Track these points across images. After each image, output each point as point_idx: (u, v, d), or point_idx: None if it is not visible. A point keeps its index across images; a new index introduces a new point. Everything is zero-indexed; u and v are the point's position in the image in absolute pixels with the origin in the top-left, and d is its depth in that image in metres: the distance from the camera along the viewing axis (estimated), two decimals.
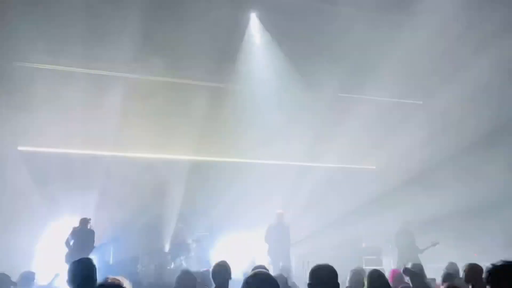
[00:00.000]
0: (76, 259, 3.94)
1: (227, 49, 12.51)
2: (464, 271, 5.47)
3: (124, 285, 2.64)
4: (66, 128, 11.89)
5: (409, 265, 6.40)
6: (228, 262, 5.05)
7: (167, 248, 12.45)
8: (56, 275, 8.46)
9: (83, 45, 11.01)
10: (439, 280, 6.74)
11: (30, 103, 11.29)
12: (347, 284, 6.90)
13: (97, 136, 12.29)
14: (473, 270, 5.31)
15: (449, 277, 6.23)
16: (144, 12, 10.57)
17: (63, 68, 11.99)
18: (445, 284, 5.14)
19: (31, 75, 11.58)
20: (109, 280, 2.71)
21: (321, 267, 3.41)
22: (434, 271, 7.60)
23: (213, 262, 10.93)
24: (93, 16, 10.56)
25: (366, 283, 5.26)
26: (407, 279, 6.33)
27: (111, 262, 11.43)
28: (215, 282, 4.85)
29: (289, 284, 6.45)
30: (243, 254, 12.78)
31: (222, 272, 4.90)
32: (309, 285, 3.48)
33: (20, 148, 12.05)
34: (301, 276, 8.80)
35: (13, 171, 11.41)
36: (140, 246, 11.69)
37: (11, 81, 11.36)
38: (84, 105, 11.65)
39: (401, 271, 6.44)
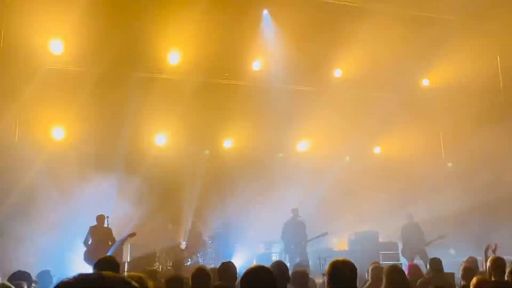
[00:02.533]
0: (95, 257, 3.97)
1: None
2: (488, 265, 5.40)
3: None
4: None
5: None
6: (244, 258, 5.08)
7: (183, 245, 12.51)
8: None
9: None
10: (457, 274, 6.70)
11: None
12: (366, 278, 6.89)
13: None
14: (497, 263, 5.25)
15: (469, 271, 6.17)
16: None
17: None
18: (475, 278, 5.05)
19: None
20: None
21: (340, 261, 3.40)
22: (451, 265, 7.56)
23: (230, 258, 11.02)
24: None
25: (384, 278, 5.23)
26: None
27: (128, 259, 11.52)
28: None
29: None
30: (259, 250, 12.84)
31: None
32: (328, 275, 3.46)
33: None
34: (318, 272, 8.78)
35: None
36: (156, 242, 11.77)
37: None
38: None
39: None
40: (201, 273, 4.71)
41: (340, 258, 3.46)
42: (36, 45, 11.66)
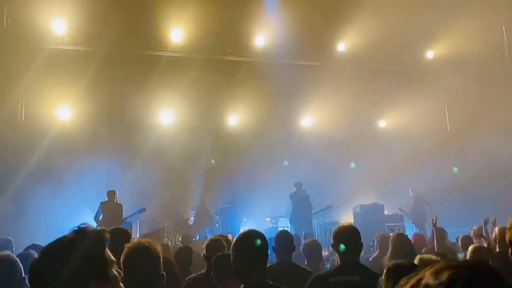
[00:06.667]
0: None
1: None
2: (497, 234, 5.41)
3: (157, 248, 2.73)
4: None
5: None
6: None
7: (192, 220, 12.68)
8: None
9: None
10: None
11: None
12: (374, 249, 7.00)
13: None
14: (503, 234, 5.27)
15: (467, 241, 6.28)
16: None
17: None
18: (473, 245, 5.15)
19: None
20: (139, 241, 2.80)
21: (345, 227, 3.49)
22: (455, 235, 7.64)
23: (237, 232, 11.16)
24: None
25: (390, 246, 5.32)
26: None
27: (137, 235, 11.70)
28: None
29: None
30: (266, 224, 13.01)
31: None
32: (333, 245, 3.55)
33: None
34: (323, 245, 8.89)
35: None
36: (165, 218, 11.94)
37: None
38: None
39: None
40: (215, 243, 4.77)
41: (345, 223, 3.55)
42: (40, 24, 11.68)
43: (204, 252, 4.24)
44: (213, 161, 13.59)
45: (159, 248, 2.60)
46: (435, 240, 6.08)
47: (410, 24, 13.29)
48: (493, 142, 12.69)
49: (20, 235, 7.91)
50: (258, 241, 2.87)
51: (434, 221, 6.36)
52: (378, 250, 6.78)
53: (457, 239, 7.19)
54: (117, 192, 10.52)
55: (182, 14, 12.37)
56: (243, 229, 11.96)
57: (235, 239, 3.07)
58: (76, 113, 12.48)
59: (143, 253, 2.55)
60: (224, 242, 4.40)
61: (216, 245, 4.25)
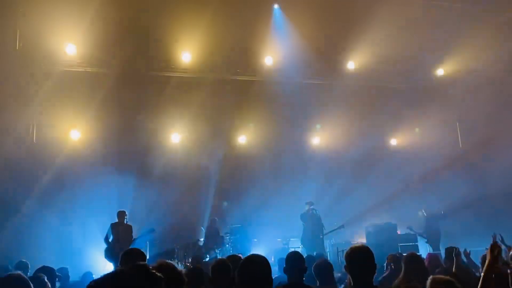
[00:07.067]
0: (116, 254, 3.98)
1: None
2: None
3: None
4: None
5: None
6: (262, 253, 5.03)
7: (201, 241, 12.59)
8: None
9: None
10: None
11: None
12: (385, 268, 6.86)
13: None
14: None
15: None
16: None
17: None
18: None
19: None
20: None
21: (357, 248, 3.41)
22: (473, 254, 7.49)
23: (247, 253, 11.02)
24: None
25: (403, 266, 5.22)
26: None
27: (147, 256, 11.61)
28: None
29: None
30: (277, 245, 12.87)
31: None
32: (346, 267, 3.47)
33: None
34: (335, 265, 8.75)
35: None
36: (175, 239, 11.88)
37: None
38: None
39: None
40: (221, 266, 4.71)
41: (357, 244, 3.48)
42: (51, 47, 11.85)
43: (210, 274, 4.17)
44: (225, 203, 13.55)
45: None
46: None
47: (420, 42, 13.31)
48: (506, 159, 12.53)
49: (31, 256, 7.89)
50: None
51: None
52: (388, 271, 6.64)
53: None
54: (127, 213, 10.50)
55: (191, 35, 12.51)
56: (253, 250, 11.87)
57: (240, 264, 3.02)
58: (87, 134, 12.56)
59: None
60: (229, 262, 4.35)
61: (221, 266, 4.19)
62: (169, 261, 2.67)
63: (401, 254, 7.33)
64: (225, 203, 13.22)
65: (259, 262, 2.90)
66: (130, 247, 9.12)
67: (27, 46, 11.91)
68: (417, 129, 14.59)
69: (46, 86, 11.60)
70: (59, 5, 11.03)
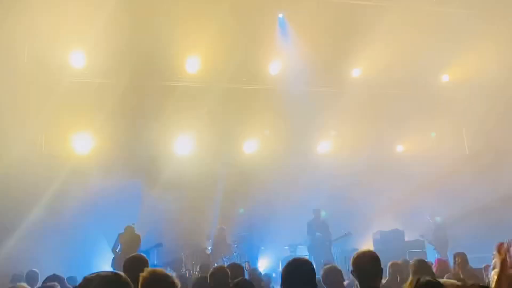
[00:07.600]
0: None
1: None
2: None
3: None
4: None
5: None
6: (269, 261, 5.06)
7: (209, 249, 12.60)
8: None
9: None
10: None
11: None
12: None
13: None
14: None
15: None
16: None
17: None
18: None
19: None
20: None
21: (363, 252, 3.44)
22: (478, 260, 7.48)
23: (255, 261, 11.03)
24: None
25: (410, 272, 5.22)
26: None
27: (155, 264, 11.65)
28: None
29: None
30: (284, 253, 12.85)
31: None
32: (353, 272, 3.49)
33: None
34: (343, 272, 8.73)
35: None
36: (183, 248, 11.91)
37: None
38: None
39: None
40: (219, 273, 4.73)
41: (363, 250, 3.51)
42: (59, 58, 11.98)
43: (209, 282, 4.20)
44: (241, 210, 13.57)
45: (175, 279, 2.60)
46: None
47: (425, 49, 13.32)
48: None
49: (42, 265, 7.96)
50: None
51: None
52: (388, 277, 6.64)
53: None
54: (135, 227, 10.50)
55: (196, 44, 12.63)
56: (261, 258, 11.84)
57: (284, 267, 3.09)
58: (95, 144, 12.65)
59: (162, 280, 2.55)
60: (227, 270, 4.38)
61: (219, 273, 4.23)
62: (166, 271, 2.71)
63: (407, 260, 7.31)
64: (241, 210, 13.22)
65: (306, 265, 3.03)
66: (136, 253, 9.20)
67: (34, 58, 12.03)
68: (433, 133, 14.52)
69: (53, 97, 11.69)
70: (65, 17, 11.18)
